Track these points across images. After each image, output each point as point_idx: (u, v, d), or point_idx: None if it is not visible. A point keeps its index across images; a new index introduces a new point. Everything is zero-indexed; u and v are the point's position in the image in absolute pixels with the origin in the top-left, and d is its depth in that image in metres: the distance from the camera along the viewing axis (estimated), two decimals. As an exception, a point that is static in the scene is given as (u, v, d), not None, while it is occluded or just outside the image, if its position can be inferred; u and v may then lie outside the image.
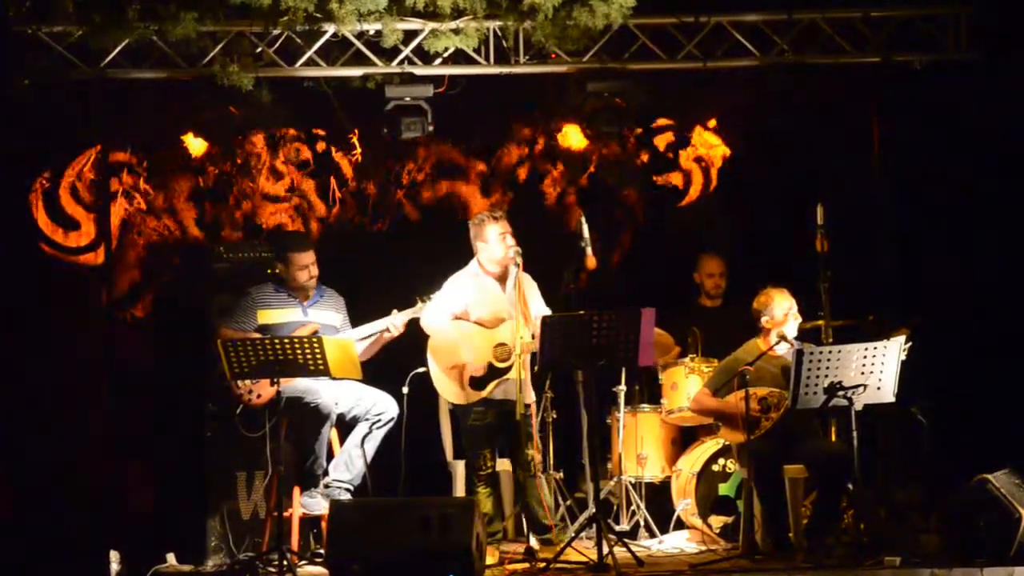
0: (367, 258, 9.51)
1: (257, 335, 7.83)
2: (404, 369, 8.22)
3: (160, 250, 9.61)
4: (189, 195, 9.62)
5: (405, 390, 8.17)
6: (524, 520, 8.12)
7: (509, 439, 7.91)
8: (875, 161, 8.96)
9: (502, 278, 7.96)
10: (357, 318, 8.19)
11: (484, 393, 7.81)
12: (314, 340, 7.45)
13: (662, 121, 9.80)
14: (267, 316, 8.06)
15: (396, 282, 8.57)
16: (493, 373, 7.82)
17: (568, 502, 8.71)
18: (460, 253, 8.08)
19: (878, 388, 7.35)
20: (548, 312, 7.88)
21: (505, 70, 8.69)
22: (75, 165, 9.42)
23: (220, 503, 8.25)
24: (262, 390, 7.87)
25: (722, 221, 9.73)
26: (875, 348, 7.32)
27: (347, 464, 7.92)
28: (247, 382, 7.84)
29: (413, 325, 8.02)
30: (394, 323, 7.96)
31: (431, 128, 8.67)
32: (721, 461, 8.40)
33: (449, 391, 7.94)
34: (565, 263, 8.03)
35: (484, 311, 7.90)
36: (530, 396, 7.94)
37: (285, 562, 7.33)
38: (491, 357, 7.81)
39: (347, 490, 7.88)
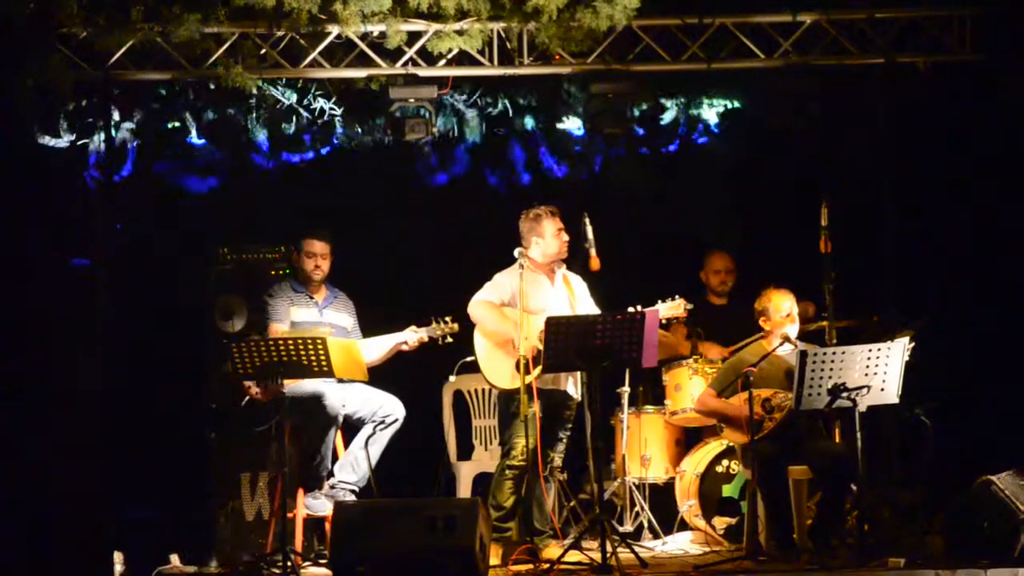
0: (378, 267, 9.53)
1: (266, 336, 7.84)
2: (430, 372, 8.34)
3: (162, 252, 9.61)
4: (191, 195, 9.63)
5: (452, 378, 8.16)
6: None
7: (554, 430, 7.79)
8: (879, 162, 8.95)
9: (550, 274, 7.92)
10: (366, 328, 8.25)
11: (530, 378, 7.60)
12: (318, 341, 7.44)
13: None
14: (294, 313, 8.11)
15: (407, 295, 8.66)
16: (540, 359, 7.60)
17: (572, 503, 8.71)
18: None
19: (882, 389, 7.34)
20: (599, 312, 7.84)
21: (509, 71, 8.70)
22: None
23: (224, 504, 8.26)
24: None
25: (726, 221, 9.71)
26: (879, 349, 7.31)
27: (352, 465, 7.92)
28: (253, 375, 7.85)
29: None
30: (409, 340, 8.00)
31: (435, 130, 8.68)
32: (725, 462, 8.40)
33: (496, 375, 7.76)
34: (569, 265, 8.01)
35: (532, 302, 7.76)
36: (576, 391, 7.88)
37: (289, 563, 7.33)
38: (537, 342, 7.60)
39: (352, 491, 7.88)
